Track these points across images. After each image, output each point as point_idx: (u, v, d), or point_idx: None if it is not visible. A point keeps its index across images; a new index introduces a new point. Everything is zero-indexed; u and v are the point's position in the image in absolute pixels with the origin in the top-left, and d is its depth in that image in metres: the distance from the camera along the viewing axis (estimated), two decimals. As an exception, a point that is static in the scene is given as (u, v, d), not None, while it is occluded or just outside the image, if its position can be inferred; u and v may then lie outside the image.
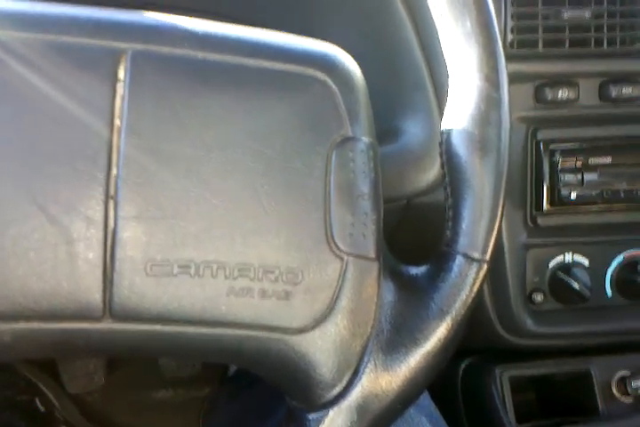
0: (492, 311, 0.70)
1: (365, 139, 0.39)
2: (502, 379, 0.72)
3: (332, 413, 0.39)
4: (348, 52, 0.42)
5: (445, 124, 0.41)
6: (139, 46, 0.37)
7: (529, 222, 0.68)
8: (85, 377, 1.03)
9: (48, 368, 1.01)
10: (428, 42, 0.62)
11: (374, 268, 0.39)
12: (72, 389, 1.02)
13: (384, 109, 0.64)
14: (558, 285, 0.68)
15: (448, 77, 0.43)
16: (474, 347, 0.75)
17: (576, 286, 0.66)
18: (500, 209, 0.40)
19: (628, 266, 0.70)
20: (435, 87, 0.62)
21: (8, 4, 0.37)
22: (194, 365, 1.07)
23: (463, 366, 0.77)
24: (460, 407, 0.77)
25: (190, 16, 0.41)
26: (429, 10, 0.43)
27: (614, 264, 0.70)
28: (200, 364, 1.07)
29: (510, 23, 0.64)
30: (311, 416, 0.39)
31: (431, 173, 0.57)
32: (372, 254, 0.39)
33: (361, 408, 0.39)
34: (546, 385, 0.74)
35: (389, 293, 0.40)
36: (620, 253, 0.70)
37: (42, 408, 1.01)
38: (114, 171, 0.36)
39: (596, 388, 0.71)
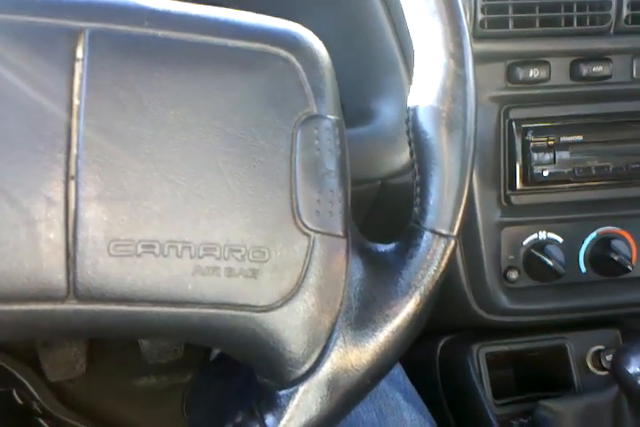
0: (467, 289, 0.71)
1: (331, 116, 0.39)
2: (479, 356, 0.73)
3: (302, 389, 0.39)
4: (320, 35, 0.42)
5: (411, 102, 0.41)
6: (97, 25, 0.36)
7: (503, 201, 0.68)
8: (66, 365, 1.02)
9: (27, 358, 1.00)
10: (401, 25, 0.62)
11: (342, 245, 0.39)
12: (53, 377, 1.02)
13: (358, 91, 0.64)
14: (533, 262, 0.69)
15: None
16: (451, 325, 0.76)
17: (550, 263, 0.67)
18: (466, 185, 0.40)
19: (602, 242, 0.70)
20: (408, 70, 0.63)
21: None
22: (175, 351, 1.07)
23: (441, 344, 0.78)
24: (437, 385, 0.78)
25: None
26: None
27: (588, 241, 0.71)
28: (182, 350, 1.07)
29: (480, 3, 0.64)
30: (282, 393, 0.39)
31: (405, 154, 0.58)
32: (340, 232, 0.39)
33: (331, 384, 0.39)
34: (522, 361, 0.75)
35: (358, 270, 0.40)
36: (593, 229, 0.71)
37: (19, 401, 1.01)
38: (74, 151, 0.35)
39: (571, 362, 0.72)
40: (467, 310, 0.71)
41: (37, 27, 0.36)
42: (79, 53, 0.36)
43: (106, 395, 1.07)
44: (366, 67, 0.65)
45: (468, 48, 0.41)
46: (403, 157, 0.58)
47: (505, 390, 0.74)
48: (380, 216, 0.67)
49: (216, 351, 1.01)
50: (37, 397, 1.01)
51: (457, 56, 0.40)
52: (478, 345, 0.73)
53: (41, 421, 1.03)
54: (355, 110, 0.61)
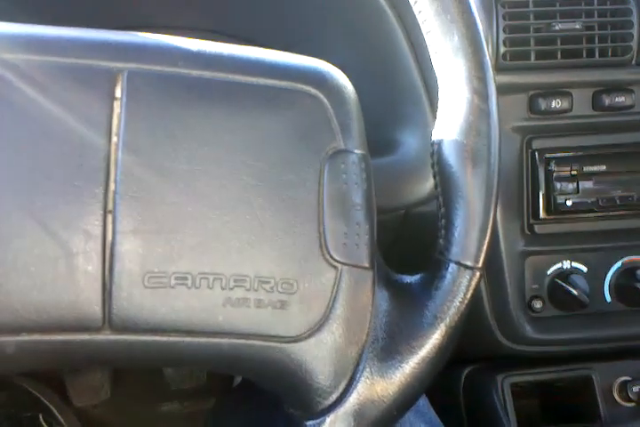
0: (491, 319, 0.70)
1: (357, 151, 0.40)
2: (504, 386, 0.72)
3: (329, 419, 0.39)
4: (345, 67, 0.43)
5: (436, 136, 0.42)
6: (135, 66, 0.38)
7: (526, 230, 0.68)
8: (92, 390, 1.03)
9: (53, 384, 1.01)
10: (423, 57, 0.63)
11: (368, 277, 0.39)
12: (78, 402, 1.03)
13: (381, 122, 0.65)
14: (557, 291, 0.68)
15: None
16: (475, 355, 0.76)
17: (575, 292, 0.67)
18: (491, 217, 0.41)
19: (627, 272, 0.70)
20: (430, 101, 0.64)
21: (9, 27, 0.38)
22: (199, 377, 1.07)
23: (465, 373, 0.77)
24: (462, 415, 0.78)
25: (186, 34, 0.42)
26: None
27: (613, 270, 0.70)
28: (205, 376, 1.07)
29: (502, 36, 0.65)
30: (309, 423, 0.40)
31: (428, 183, 0.58)
32: (366, 263, 0.39)
33: (358, 414, 0.39)
34: (547, 391, 0.75)
35: (384, 301, 0.40)
36: (618, 259, 0.71)
37: (45, 426, 1.02)
38: (112, 186, 0.37)
39: (597, 393, 0.71)
40: (491, 340, 0.71)
41: (80, 67, 0.37)
42: (118, 93, 0.37)
43: (130, 420, 1.08)
44: (389, 97, 0.66)
45: (492, 83, 0.42)
46: (426, 186, 0.59)
47: (530, 420, 0.74)
48: (403, 245, 0.67)
49: (239, 378, 1.01)
50: (63, 421, 1.02)
51: (480, 91, 0.41)
52: (503, 375, 0.72)
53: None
54: (378, 140, 0.62)
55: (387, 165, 0.59)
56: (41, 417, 1.02)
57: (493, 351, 0.73)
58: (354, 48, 0.68)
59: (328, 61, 0.43)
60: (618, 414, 0.71)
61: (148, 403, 1.09)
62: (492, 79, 0.42)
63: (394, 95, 0.66)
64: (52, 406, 1.01)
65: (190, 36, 0.41)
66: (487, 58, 0.42)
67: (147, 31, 0.41)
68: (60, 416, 1.02)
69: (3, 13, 0.53)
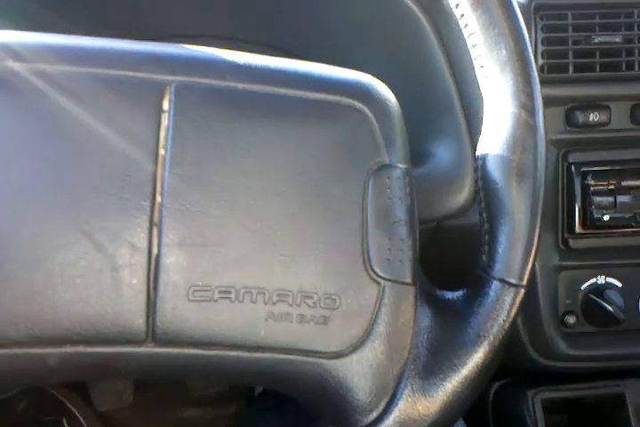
0: (524, 334, 0.70)
1: (401, 165, 0.40)
2: (534, 401, 0.71)
3: None
4: (378, 77, 0.43)
5: (481, 151, 0.42)
6: (182, 78, 0.38)
7: (561, 245, 0.68)
8: (114, 395, 1.04)
9: (76, 388, 1.02)
10: (458, 67, 0.63)
11: (411, 293, 0.39)
12: (101, 406, 1.03)
13: (414, 133, 0.64)
14: (591, 307, 0.68)
15: (477, 102, 0.43)
16: (505, 369, 0.75)
17: (610, 308, 0.66)
18: (536, 234, 0.40)
19: (662, 288, 0.69)
20: (464, 111, 0.63)
21: (57, 39, 0.38)
22: (220, 383, 1.07)
23: (494, 388, 0.77)
24: (490, 429, 0.77)
25: (215, 43, 0.42)
26: (458, 35, 0.44)
27: (648, 286, 0.69)
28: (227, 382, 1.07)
29: (541, 48, 0.64)
30: None
31: (461, 195, 0.58)
32: (409, 279, 0.39)
33: None
34: (578, 408, 0.74)
35: (426, 318, 0.40)
36: (653, 275, 0.70)
37: (68, 429, 1.02)
38: (158, 199, 0.37)
39: (630, 411, 0.71)
40: (523, 355, 0.70)
41: (127, 80, 0.38)
42: (165, 106, 0.37)
43: (152, 425, 1.08)
44: (423, 108, 0.65)
45: (539, 98, 0.41)
46: (459, 198, 0.58)
47: (560, 436, 0.73)
48: (435, 257, 0.67)
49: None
50: (86, 425, 1.02)
51: (528, 106, 0.41)
52: (534, 391, 0.72)
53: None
54: (410, 151, 0.61)
55: (419, 176, 0.59)
56: (65, 421, 1.02)
57: (524, 366, 0.72)
58: (388, 59, 0.68)
59: (362, 72, 0.42)
60: (650, 431, 0.71)
61: (170, 408, 1.09)
62: (539, 94, 0.41)
63: (427, 106, 0.65)
64: (75, 410, 1.02)
65: (220, 46, 0.41)
66: (535, 73, 0.42)
67: (175, 41, 0.41)
68: (83, 420, 1.02)
69: (31, 23, 0.53)
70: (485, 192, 0.41)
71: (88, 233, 0.36)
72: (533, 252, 0.40)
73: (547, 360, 0.70)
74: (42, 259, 0.36)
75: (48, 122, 0.37)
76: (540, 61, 0.64)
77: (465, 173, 0.59)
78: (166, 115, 0.37)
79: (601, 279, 0.69)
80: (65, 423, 1.02)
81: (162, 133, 0.37)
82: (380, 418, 0.39)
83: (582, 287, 0.69)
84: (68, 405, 1.01)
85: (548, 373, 0.72)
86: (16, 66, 0.37)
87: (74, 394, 1.02)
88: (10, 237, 0.35)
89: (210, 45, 0.41)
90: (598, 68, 0.65)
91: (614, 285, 0.69)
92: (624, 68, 0.65)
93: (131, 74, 0.38)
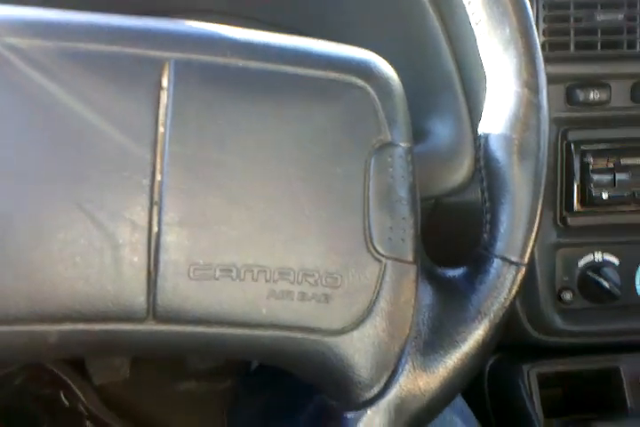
0: (521, 309, 0.71)
1: (403, 144, 0.40)
2: (530, 375, 0.72)
3: (370, 412, 0.40)
4: (376, 53, 0.42)
5: (483, 129, 0.42)
6: (181, 55, 0.37)
7: (559, 222, 0.68)
8: (111, 369, 1.04)
9: (73, 362, 1.02)
10: (459, 44, 0.63)
11: (412, 271, 0.39)
12: (98, 380, 1.04)
13: (413, 109, 0.64)
14: (588, 284, 0.68)
15: (478, 80, 0.43)
16: (501, 344, 0.76)
17: (606, 284, 0.67)
18: (538, 213, 0.40)
19: (659, 265, 0.70)
20: (464, 89, 0.63)
21: (54, 15, 0.38)
22: (217, 358, 1.08)
23: (490, 362, 0.78)
24: (487, 403, 0.78)
25: (223, 19, 0.41)
26: (459, 11, 0.44)
27: (645, 263, 0.70)
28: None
29: (542, 26, 0.64)
30: (349, 415, 0.40)
31: (459, 173, 0.58)
32: (410, 258, 0.39)
33: (398, 408, 0.40)
34: (573, 382, 0.75)
35: (427, 295, 0.40)
36: (651, 252, 0.70)
37: (66, 402, 1.03)
38: (158, 177, 0.36)
39: (624, 385, 0.72)
40: (519, 330, 0.71)
41: (125, 56, 0.37)
42: (164, 83, 0.37)
43: (148, 398, 1.09)
44: (422, 85, 0.65)
45: (543, 77, 0.41)
46: (457, 176, 0.58)
47: (555, 409, 0.74)
48: (433, 235, 0.67)
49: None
50: (83, 399, 1.03)
51: (531, 84, 0.41)
52: (530, 365, 0.73)
53: (86, 422, 1.05)
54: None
55: (417, 154, 0.59)
56: (62, 394, 1.03)
57: (520, 341, 0.73)
58: (387, 35, 0.67)
59: (361, 48, 0.42)
60: (644, 405, 0.72)
61: (166, 382, 1.10)
62: (543, 73, 0.41)
63: (427, 83, 0.65)
64: (72, 384, 1.02)
65: (211, 20, 0.41)
66: (539, 51, 0.41)
67: (167, 16, 0.41)
68: (80, 394, 1.03)
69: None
70: (487, 171, 0.41)
71: (88, 211, 0.36)
72: (535, 230, 0.40)
73: (543, 335, 0.71)
74: (42, 237, 0.35)
75: (45, 100, 0.36)
76: (542, 39, 0.64)
77: (464, 150, 0.59)
78: (165, 92, 0.37)
79: (598, 256, 0.69)
80: (62, 397, 1.03)
81: (161, 111, 0.37)
82: (381, 393, 0.39)
83: (579, 264, 0.69)
84: (65, 379, 1.02)
85: (544, 348, 0.73)
86: (13, 41, 0.36)
87: (71, 368, 1.02)
88: (10, 215, 0.35)
89: (209, 21, 0.41)
90: (600, 47, 0.65)
91: (611, 262, 0.69)
92: (625, 46, 0.65)
93: (128, 50, 0.37)
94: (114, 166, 0.36)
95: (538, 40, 0.42)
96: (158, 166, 0.36)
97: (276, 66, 0.38)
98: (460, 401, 0.70)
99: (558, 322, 0.70)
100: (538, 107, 0.41)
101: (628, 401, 0.71)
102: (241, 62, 0.38)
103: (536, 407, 0.72)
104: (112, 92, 0.36)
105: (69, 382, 1.02)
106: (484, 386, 0.78)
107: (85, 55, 0.37)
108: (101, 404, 1.05)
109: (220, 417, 1.08)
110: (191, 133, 0.37)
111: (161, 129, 0.36)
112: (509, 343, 0.76)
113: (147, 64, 0.37)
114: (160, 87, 0.37)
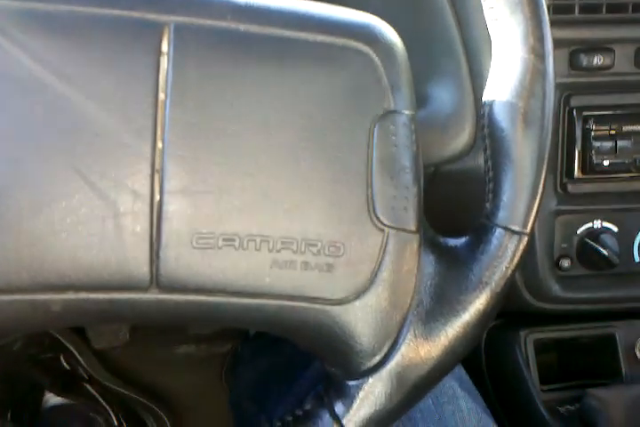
0: (518, 276, 0.71)
1: (407, 112, 0.39)
2: (527, 342, 0.73)
3: (371, 380, 0.40)
4: (377, 16, 0.41)
5: (487, 97, 0.41)
6: (181, 19, 0.36)
7: (559, 189, 0.68)
8: (111, 334, 1.05)
9: (73, 326, 1.03)
10: (461, 7, 0.61)
11: (415, 240, 0.39)
12: (97, 344, 1.05)
13: (414, 74, 0.63)
14: (586, 251, 0.68)
15: (481, 45, 0.42)
16: (498, 310, 0.76)
17: (604, 252, 0.67)
18: (541, 183, 0.40)
19: (658, 232, 0.70)
20: (466, 54, 0.62)
21: None
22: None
23: (487, 328, 0.78)
24: (483, 369, 0.79)
25: None
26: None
27: (643, 231, 0.70)
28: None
29: (547, -13, 0.63)
30: (351, 383, 0.40)
31: (460, 139, 0.57)
32: (413, 227, 0.39)
33: (400, 376, 0.40)
34: (569, 348, 0.76)
35: (429, 264, 0.40)
36: (649, 219, 0.70)
37: (66, 366, 1.04)
38: (159, 145, 0.36)
39: (620, 351, 0.72)
40: (516, 297, 0.71)
41: (123, 20, 0.36)
42: (164, 47, 0.36)
43: (147, 362, 1.10)
44: (423, 50, 0.64)
45: (550, 43, 0.40)
46: (458, 142, 0.58)
47: (550, 376, 0.75)
48: (433, 202, 0.67)
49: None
50: (82, 362, 1.04)
51: (538, 50, 0.40)
52: (526, 331, 0.73)
53: (87, 386, 1.06)
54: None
55: (417, 119, 0.58)
56: (62, 358, 1.04)
57: (518, 308, 0.73)
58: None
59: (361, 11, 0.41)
60: (639, 371, 0.72)
61: (166, 346, 1.11)
62: (550, 38, 0.40)
63: (428, 47, 0.64)
64: (72, 348, 1.03)
65: None
66: (546, 16, 0.40)
67: None
68: (80, 357, 1.04)
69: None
70: (491, 140, 0.40)
71: (89, 180, 0.35)
72: (537, 200, 0.40)
73: (540, 302, 0.71)
74: (43, 206, 0.35)
75: (42, 66, 0.35)
76: (547, 1, 0.62)
77: (465, 116, 0.58)
78: (165, 57, 0.36)
79: (597, 224, 0.69)
80: (62, 361, 1.04)
81: (161, 76, 0.36)
82: (383, 362, 0.40)
83: (578, 231, 0.69)
84: (65, 342, 1.02)
85: (541, 314, 0.74)
86: (7, 4, 0.35)
87: (70, 332, 1.03)
88: (11, 184, 0.35)
89: None
90: (604, 10, 0.64)
91: (610, 229, 0.69)
92: (630, 9, 0.64)
93: (126, 13, 0.36)
94: (113, 133, 0.35)
95: (545, 5, 0.41)
96: (159, 133, 0.36)
97: (278, 30, 0.38)
98: (458, 368, 0.70)
99: (556, 289, 0.70)
100: (544, 74, 0.40)
101: (623, 368, 0.72)
102: (242, 26, 0.37)
103: (532, 373, 0.73)
104: (110, 58, 0.36)
105: (69, 345, 1.03)
106: (481, 352, 0.79)
107: (82, 19, 0.36)
108: (101, 368, 1.06)
109: (220, 381, 1.10)
110: (192, 100, 0.36)
111: (161, 95, 0.36)
112: (507, 310, 0.76)
113: (146, 28, 0.36)
114: (160, 52, 0.36)
